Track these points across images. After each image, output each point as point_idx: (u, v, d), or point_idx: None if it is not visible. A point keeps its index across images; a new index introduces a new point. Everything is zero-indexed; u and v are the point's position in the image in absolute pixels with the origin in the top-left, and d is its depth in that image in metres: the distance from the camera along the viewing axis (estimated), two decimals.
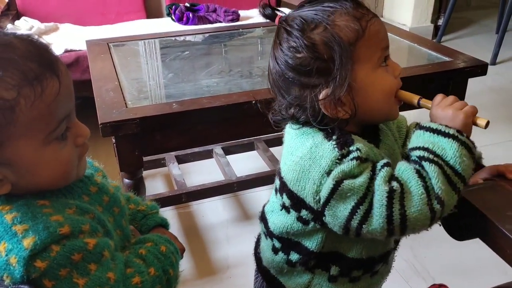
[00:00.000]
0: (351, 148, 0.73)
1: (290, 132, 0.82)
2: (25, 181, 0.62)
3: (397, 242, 0.93)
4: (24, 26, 2.64)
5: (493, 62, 3.66)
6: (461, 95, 1.77)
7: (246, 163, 2.23)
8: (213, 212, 2.05)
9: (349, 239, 0.82)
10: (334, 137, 0.75)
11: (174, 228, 1.95)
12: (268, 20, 0.85)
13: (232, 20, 3.00)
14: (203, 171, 2.25)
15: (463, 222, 0.80)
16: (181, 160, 2.07)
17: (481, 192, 0.81)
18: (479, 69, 1.70)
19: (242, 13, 3.14)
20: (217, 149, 2.10)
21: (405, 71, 1.68)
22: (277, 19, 0.81)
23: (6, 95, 0.56)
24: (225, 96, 1.46)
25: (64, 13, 2.94)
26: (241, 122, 1.49)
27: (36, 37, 0.63)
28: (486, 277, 1.59)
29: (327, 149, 0.74)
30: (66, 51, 2.33)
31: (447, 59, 1.79)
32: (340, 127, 0.77)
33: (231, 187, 1.86)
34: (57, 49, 2.37)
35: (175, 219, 2.01)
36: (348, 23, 0.74)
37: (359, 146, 0.74)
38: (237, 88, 1.57)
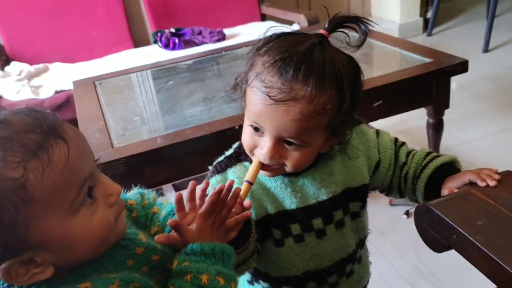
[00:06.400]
0: None
1: None
2: (64, 258, 0.59)
3: (353, 255, 0.94)
4: (14, 71, 2.69)
5: (486, 50, 3.64)
6: (445, 95, 1.78)
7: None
8: None
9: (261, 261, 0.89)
10: None
11: None
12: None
13: (218, 40, 3.03)
14: None
15: (438, 234, 0.80)
16: (178, 188, 2.08)
17: (452, 203, 0.81)
18: (460, 67, 1.71)
19: (227, 31, 3.17)
20: None
21: (386, 78, 1.71)
22: None
23: (12, 174, 0.52)
24: (208, 124, 1.48)
25: (53, 53, 2.99)
26: (230, 148, 1.50)
27: (35, 108, 0.60)
28: None
29: None
30: (57, 92, 2.38)
31: (427, 60, 1.80)
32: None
33: None
34: (48, 91, 2.42)
35: None
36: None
37: None
38: (221, 115, 1.59)
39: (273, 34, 0.79)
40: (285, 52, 0.74)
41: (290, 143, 0.77)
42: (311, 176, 0.85)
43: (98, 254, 0.63)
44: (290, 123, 0.73)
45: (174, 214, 0.74)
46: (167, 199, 2.03)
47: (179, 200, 0.72)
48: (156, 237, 0.69)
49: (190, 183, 0.74)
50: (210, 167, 0.90)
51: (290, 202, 0.85)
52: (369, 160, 0.92)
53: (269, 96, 0.73)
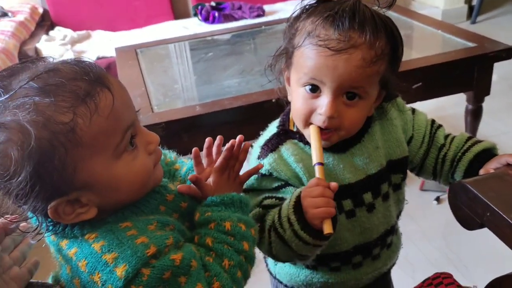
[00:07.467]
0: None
1: None
2: (107, 200, 0.63)
3: (393, 227, 0.96)
4: (58, 35, 2.76)
5: None
6: (486, 81, 1.75)
7: None
8: None
9: None
10: None
11: None
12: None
13: (258, 16, 3.03)
14: None
15: (472, 211, 0.81)
16: None
17: (489, 182, 0.81)
18: (504, 53, 1.67)
19: (267, 8, 3.17)
20: None
21: (428, 60, 1.69)
22: None
23: (63, 118, 0.56)
24: (245, 96, 1.51)
25: (96, 20, 3.05)
26: (265, 120, 1.52)
27: (82, 58, 0.63)
28: None
29: None
30: (98, 58, 2.44)
31: (471, 44, 1.77)
32: None
33: None
34: (90, 57, 2.48)
35: None
36: None
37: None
38: (258, 87, 1.61)
39: (306, 5, 0.81)
40: (333, 9, 0.76)
41: (350, 97, 0.78)
42: (359, 151, 0.87)
43: (138, 197, 0.67)
44: (353, 70, 0.75)
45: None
46: None
47: (197, 155, 0.77)
48: (178, 186, 0.73)
49: (206, 140, 0.79)
50: (257, 148, 0.89)
51: (343, 178, 0.86)
52: (405, 133, 0.92)
53: (328, 48, 0.74)
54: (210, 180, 0.75)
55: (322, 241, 0.76)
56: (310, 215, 0.74)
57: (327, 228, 0.73)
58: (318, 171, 0.77)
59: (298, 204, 0.75)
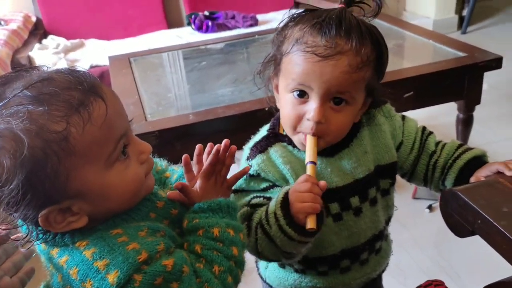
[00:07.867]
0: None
1: None
2: (99, 208, 0.63)
3: (382, 232, 0.96)
4: (51, 44, 2.76)
5: None
6: (477, 90, 1.77)
7: None
8: None
9: None
10: None
11: None
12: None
13: (251, 26, 3.05)
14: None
15: (463, 219, 0.82)
16: None
17: (479, 189, 0.82)
18: (494, 63, 1.70)
19: (260, 17, 3.19)
20: (238, 153, 2.15)
21: (419, 69, 1.71)
22: None
23: (56, 127, 0.56)
24: (238, 105, 1.52)
25: (89, 29, 3.05)
26: (258, 128, 1.53)
27: (76, 67, 0.64)
28: None
29: None
30: (92, 67, 2.44)
31: (461, 54, 1.79)
32: None
33: None
34: (83, 65, 2.48)
35: None
36: None
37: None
38: (251, 96, 1.62)
39: (294, 13, 0.83)
40: (320, 17, 0.78)
41: (337, 102, 0.79)
42: (347, 155, 0.88)
43: (129, 206, 0.67)
44: (340, 75, 0.76)
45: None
46: None
47: (187, 162, 0.77)
48: (168, 193, 0.74)
49: (197, 147, 0.79)
50: (246, 150, 0.90)
51: (330, 182, 0.86)
52: (394, 139, 0.93)
53: (316, 54, 0.76)
54: (197, 186, 0.75)
55: (306, 238, 0.76)
56: (295, 209, 0.75)
57: (310, 223, 0.74)
58: (309, 169, 0.79)
59: (285, 200, 0.77)
